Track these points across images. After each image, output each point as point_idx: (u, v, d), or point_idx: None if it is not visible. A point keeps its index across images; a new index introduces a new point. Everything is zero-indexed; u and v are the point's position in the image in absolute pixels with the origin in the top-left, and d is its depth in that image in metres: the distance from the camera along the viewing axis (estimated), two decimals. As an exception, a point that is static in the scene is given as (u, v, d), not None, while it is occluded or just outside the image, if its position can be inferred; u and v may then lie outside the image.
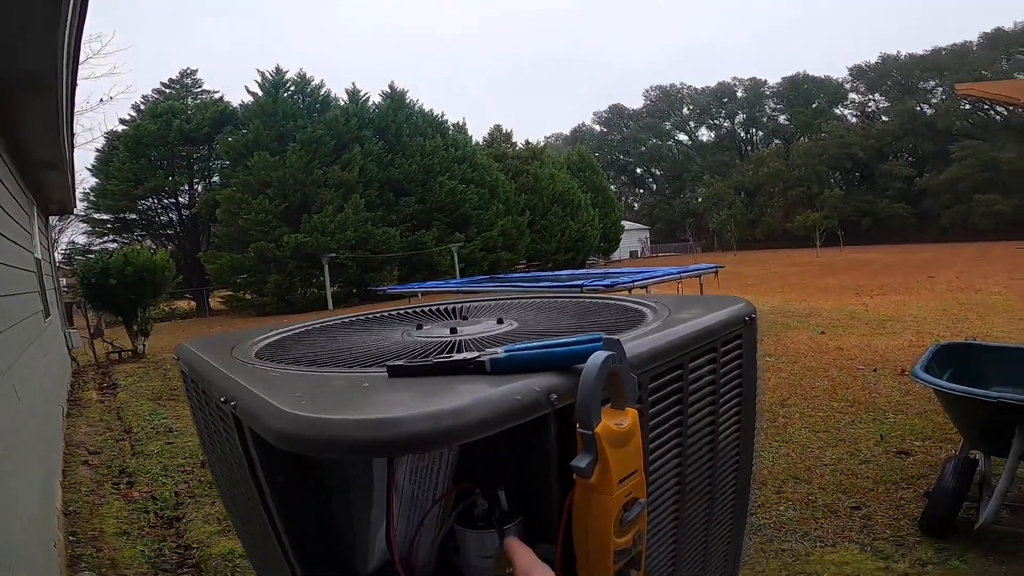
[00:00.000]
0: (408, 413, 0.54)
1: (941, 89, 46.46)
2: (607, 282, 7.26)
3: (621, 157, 65.15)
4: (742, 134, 62.31)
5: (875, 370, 5.32)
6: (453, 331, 1.10)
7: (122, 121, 24.85)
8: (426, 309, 1.51)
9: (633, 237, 46.37)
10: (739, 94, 60.86)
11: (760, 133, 61.08)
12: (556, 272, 13.24)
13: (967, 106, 44.28)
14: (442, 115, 25.45)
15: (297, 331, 1.28)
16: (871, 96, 53.82)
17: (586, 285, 7.09)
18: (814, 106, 55.06)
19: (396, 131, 23.03)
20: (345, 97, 23.50)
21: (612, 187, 49.30)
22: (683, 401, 0.88)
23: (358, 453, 0.57)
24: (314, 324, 1.38)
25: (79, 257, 21.25)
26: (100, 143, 23.50)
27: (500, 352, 0.67)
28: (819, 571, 2.23)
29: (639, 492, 0.65)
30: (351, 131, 21.58)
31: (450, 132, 25.39)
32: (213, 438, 1.00)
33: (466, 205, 23.36)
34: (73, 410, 5.87)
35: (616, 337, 0.65)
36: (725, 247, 47.10)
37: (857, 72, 53.83)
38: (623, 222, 39.97)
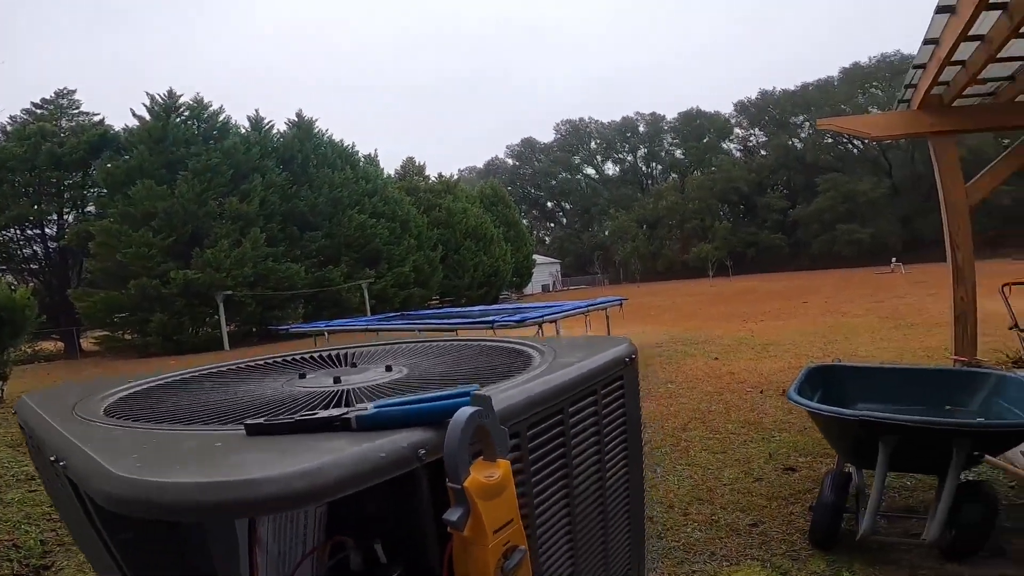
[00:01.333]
0: (260, 475, 0.50)
1: (808, 123, 51.44)
2: (517, 318, 7.36)
3: (532, 191, 67.10)
4: (643, 168, 66.24)
5: (761, 392, 5.74)
6: (337, 380, 1.06)
7: (-22, 142, 22.05)
8: (313, 356, 1.44)
9: (545, 271, 47.63)
10: (640, 128, 64.80)
11: (659, 167, 65.10)
12: (468, 308, 13.27)
13: (829, 140, 49.82)
14: (352, 146, 25.04)
15: (161, 382, 1.17)
16: (752, 131, 59.26)
17: (497, 322, 7.15)
18: (705, 140, 59.67)
19: (303, 161, 22.30)
20: (247, 124, 22.50)
21: (524, 221, 50.64)
22: (566, 444, 0.90)
23: (202, 516, 0.52)
24: (185, 373, 1.27)
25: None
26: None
27: (369, 408, 0.65)
28: (726, 591, 2.31)
29: (518, 539, 0.65)
30: (252, 160, 20.60)
31: (360, 164, 24.98)
32: (57, 496, 0.88)
33: (377, 240, 22.91)
34: None
35: (484, 393, 0.65)
36: (630, 279, 49.59)
37: (741, 107, 59.05)
38: (535, 256, 41.00)
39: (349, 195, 22.61)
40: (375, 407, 0.65)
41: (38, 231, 23.29)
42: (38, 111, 24.13)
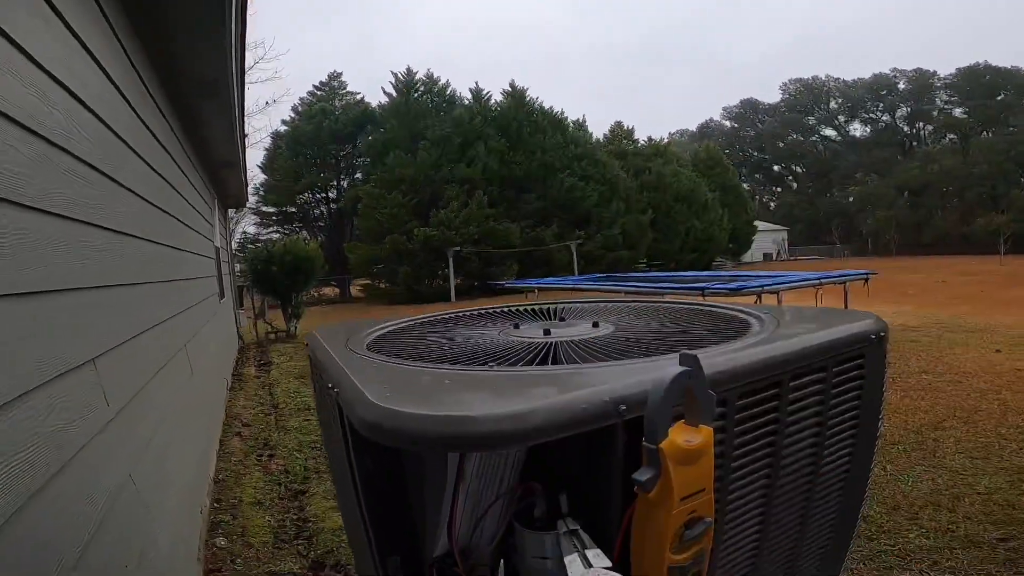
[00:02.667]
0: (475, 413, 0.57)
1: None
2: (733, 286, 6.78)
3: (755, 154, 60.33)
4: (906, 129, 54.66)
5: (1065, 399, 4.44)
6: (547, 332, 1.13)
7: (284, 122, 28.20)
8: (527, 309, 1.55)
9: (767, 238, 42.86)
10: (900, 85, 53.50)
11: (929, 127, 53.16)
12: (678, 272, 12.69)
13: None
14: (561, 112, 25.48)
15: (406, 324, 1.39)
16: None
17: (709, 289, 6.68)
18: (999, 98, 46.74)
19: (517, 129, 23.47)
20: (469, 96, 24.46)
21: (745, 185, 45.90)
22: (779, 421, 0.83)
23: (425, 446, 0.61)
24: (426, 318, 1.49)
25: (250, 246, 24.49)
26: (267, 143, 26.96)
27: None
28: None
29: (705, 511, 0.63)
30: (475, 129, 22.41)
31: (569, 129, 25.32)
32: (325, 420, 1.13)
33: (586, 202, 23.18)
34: (235, 384, 6.61)
35: (693, 353, 0.63)
36: (882, 251, 41.68)
37: (1055, 62, 44.39)
38: (756, 222, 37.09)
39: (559, 159, 23.17)
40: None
41: (323, 195, 29.00)
42: (318, 93, 29.63)
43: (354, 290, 25.81)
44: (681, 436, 0.60)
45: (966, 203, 41.99)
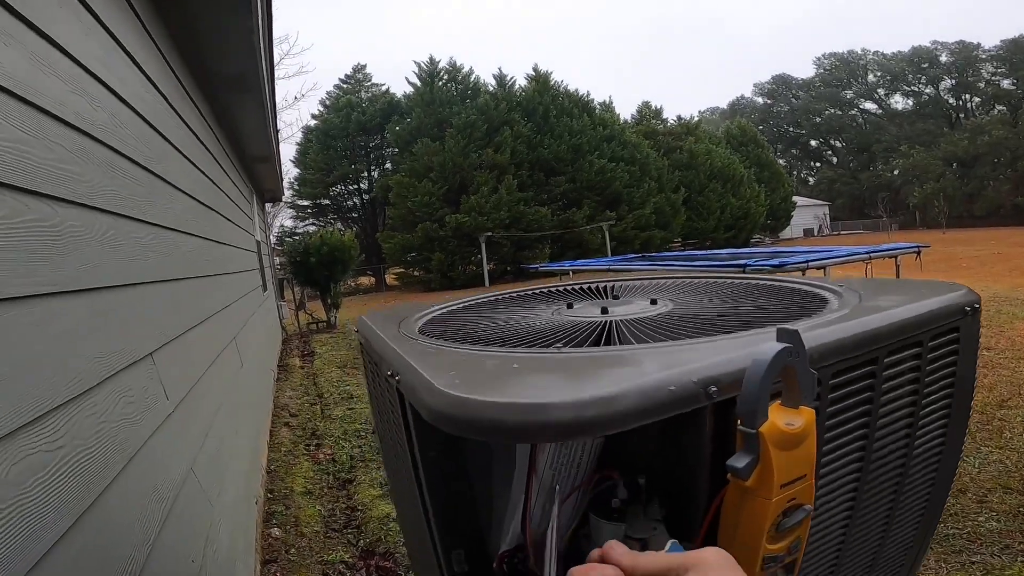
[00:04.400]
0: (554, 400, 0.53)
1: None
2: (775, 262, 6.53)
3: (791, 129, 58.21)
4: (951, 101, 51.94)
5: None
6: (604, 311, 1.08)
7: (313, 116, 28.59)
8: (576, 287, 1.49)
9: (808, 214, 41.41)
10: (943, 58, 50.93)
11: (976, 99, 50.42)
12: (714, 251, 12.36)
13: None
14: (587, 94, 25.08)
15: (455, 307, 1.35)
16: None
17: (750, 265, 6.46)
18: None
19: (543, 113, 23.20)
20: (493, 82, 24.24)
21: (780, 161, 44.29)
22: (873, 401, 0.76)
23: (501, 437, 0.58)
24: (471, 300, 1.45)
25: (287, 239, 25.07)
26: (298, 137, 27.41)
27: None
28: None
29: (805, 498, 0.58)
30: (501, 115, 22.24)
31: (597, 111, 24.89)
32: (381, 407, 1.10)
33: (616, 183, 22.82)
34: (280, 375, 6.75)
35: (794, 327, 0.57)
36: (930, 224, 39.77)
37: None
38: (795, 198, 35.87)
39: (588, 141, 22.83)
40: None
41: (355, 186, 29.39)
42: (344, 86, 29.87)
43: (389, 279, 26.21)
44: (781, 418, 0.55)
45: (1019, 173, 39.55)
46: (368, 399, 1.39)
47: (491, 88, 23.99)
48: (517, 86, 24.41)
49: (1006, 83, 47.64)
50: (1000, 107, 47.19)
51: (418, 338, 0.97)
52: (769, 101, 60.47)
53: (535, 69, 24.72)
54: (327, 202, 29.15)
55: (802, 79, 58.68)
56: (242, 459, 2.70)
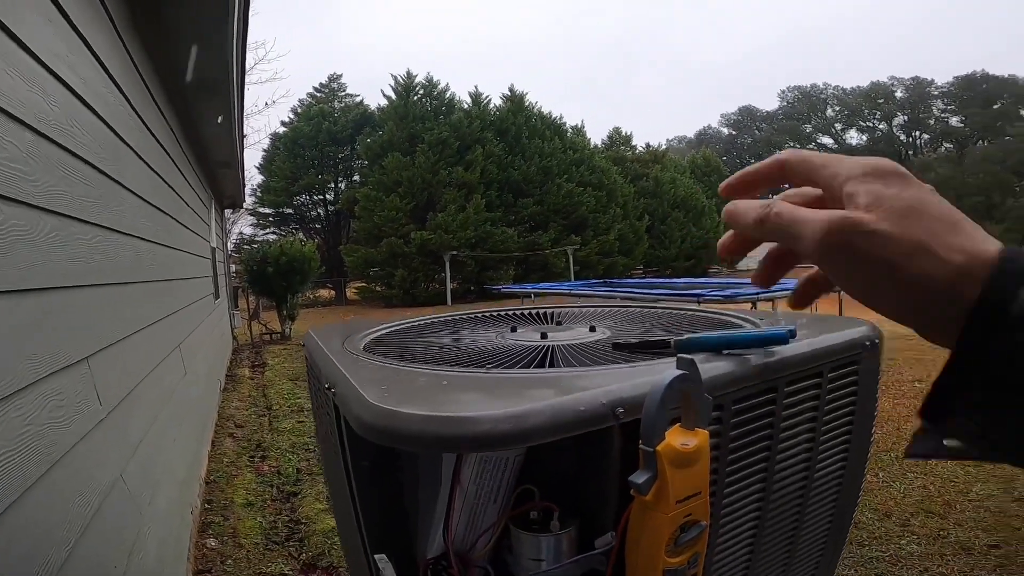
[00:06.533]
0: (471, 414, 0.57)
1: None
2: (728, 292, 6.79)
3: (752, 161, 60.70)
4: (902, 137, 55.17)
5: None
6: (543, 336, 1.13)
7: (282, 123, 28.19)
8: (524, 312, 1.55)
9: (765, 247, 42.68)
10: (898, 94, 54.07)
11: (926, 136, 53.71)
12: (673, 280, 12.74)
13: None
14: (560, 117, 25.63)
15: (403, 327, 1.39)
16: (1068, 96, 44.78)
17: (704, 295, 6.70)
18: (996, 107, 47.26)
19: (516, 133, 23.57)
20: (468, 100, 24.54)
21: (742, 192, 45.88)
22: (774, 426, 0.83)
23: (422, 447, 0.61)
24: (420, 321, 1.49)
25: (246, 247, 24.42)
26: (266, 143, 26.95)
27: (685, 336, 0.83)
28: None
29: (700, 514, 0.63)
30: (474, 133, 22.48)
31: (568, 134, 25.44)
32: (321, 420, 1.13)
33: (583, 208, 23.27)
34: (229, 385, 6.60)
35: (690, 357, 0.63)
36: (876, 259, 41.89)
37: (1054, 69, 45.04)
38: (753, 229, 37.28)
39: (558, 164, 23.27)
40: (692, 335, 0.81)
41: (321, 197, 28.99)
42: (317, 95, 29.65)
43: (350, 292, 25.80)
44: (677, 439, 0.61)
45: (963, 211, 42.19)
46: (313, 412, 1.40)
47: (466, 106, 24.25)
48: (492, 105, 24.76)
49: (954, 120, 50.82)
50: (947, 144, 50.32)
51: (360, 355, 1.00)
52: (734, 132, 63.02)
53: (511, 89, 25.14)
54: (290, 211, 28.65)
55: (767, 111, 61.55)
56: (179, 468, 2.64)
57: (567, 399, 0.62)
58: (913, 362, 6.28)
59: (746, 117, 62.61)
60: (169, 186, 3.45)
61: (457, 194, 21.37)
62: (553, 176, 23.10)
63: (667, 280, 12.86)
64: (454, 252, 20.20)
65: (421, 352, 1.02)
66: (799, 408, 0.87)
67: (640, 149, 31.84)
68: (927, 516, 2.78)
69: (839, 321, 1.05)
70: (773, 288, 7.11)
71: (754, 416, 0.80)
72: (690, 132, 71.46)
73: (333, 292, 26.28)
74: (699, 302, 6.57)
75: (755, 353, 0.82)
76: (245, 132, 6.58)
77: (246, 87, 4.56)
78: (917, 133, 54.06)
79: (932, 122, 52.46)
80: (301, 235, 27.19)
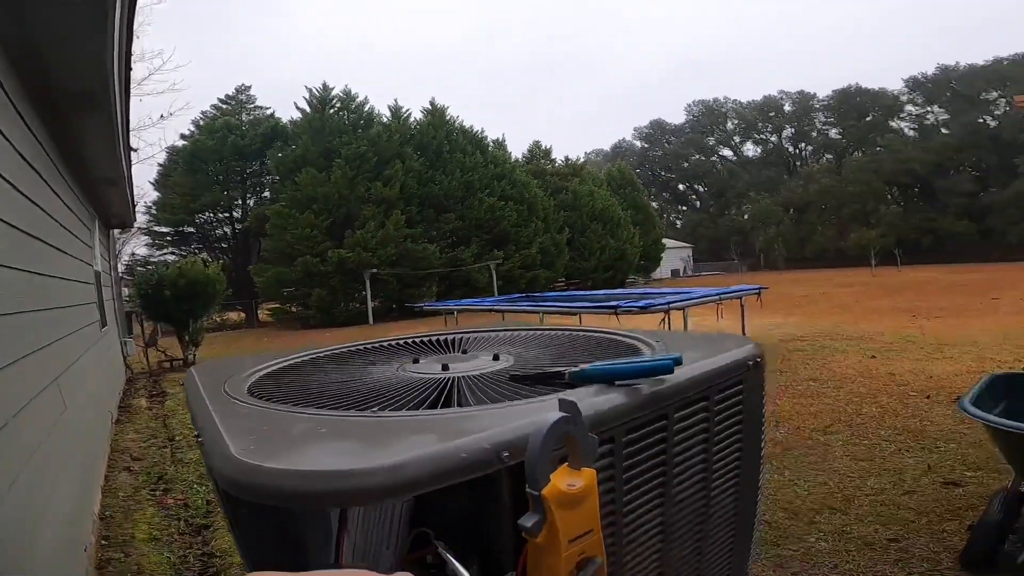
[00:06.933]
0: (343, 467, 0.53)
1: (1004, 100, 43.59)
2: (642, 303, 7.09)
3: (663, 173, 64.33)
4: (790, 149, 60.49)
5: (928, 397, 5.01)
6: (445, 367, 1.10)
7: (182, 136, 26.37)
8: (430, 340, 1.51)
9: (675, 255, 45.55)
10: (786, 107, 59.15)
11: (809, 148, 59.18)
12: (592, 292, 13.11)
13: None
14: (482, 131, 25.84)
15: (296, 361, 1.30)
16: (929, 108, 51.10)
17: (621, 307, 6.96)
18: (868, 119, 53.02)
19: (437, 147, 23.49)
20: (388, 114, 24.20)
21: (654, 204, 48.63)
22: (667, 452, 0.85)
23: (288, 503, 0.57)
24: (318, 353, 1.41)
25: (140, 268, 22.47)
26: (162, 158, 25.03)
27: (580, 367, 0.84)
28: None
29: (595, 551, 0.63)
30: (393, 147, 22.15)
31: (489, 148, 25.71)
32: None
33: (505, 222, 23.52)
34: (123, 417, 6.13)
35: (571, 399, 0.63)
36: (772, 266, 45.62)
37: (913, 84, 51.37)
38: (665, 240, 39.36)
39: (479, 179, 23.41)
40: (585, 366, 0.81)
41: (227, 214, 27.33)
42: (223, 106, 28.08)
43: (263, 315, 24.42)
44: (563, 480, 0.60)
45: (842, 219, 46.99)
46: None
47: (385, 119, 23.84)
48: (412, 119, 24.51)
49: (833, 132, 56.17)
50: (828, 155, 55.54)
51: (240, 397, 0.92)
52: (646, 145, 66.21)
53: (432, 103, 25.01)
54: (191, 230, 26.79)
55: (675, 124, 65.09)
56: (62, 504, 2.48)
57: (449, 447, 0.59)
58: (807, 362, 6.82)
59: (657, 130, 66.00)
60: (41, 208, 3.10)
61: (376, 210, 20.90)
62: (475, 191, 23.19)
63: (587, 292, 13.23)
64: (374, 270, 19.69)
65: (309, 392, 0.96)
66: (690, 432, 0.89)
67: (559, 162, 32.73)
68: (831, 512, 2.93)
69: (725, 340, 1.10)
70: (684, 297, 7.49)
71: (646, 445, 0.81)
72: (606, 145, 74.50)
73: (244, 315, 24.75)
74: (617, 314, 6.82)
75: (645, 382, 0.84)
76: (135, 146, 6.07)
77: (132, 99, 4.20)
78: (803, 145, 59.46)
79: (815, 134, 57.86)
80: (205, 255, 25.50)
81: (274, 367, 1.22)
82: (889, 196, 48.03)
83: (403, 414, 0.76)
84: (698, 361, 0.94)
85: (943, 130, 48.59)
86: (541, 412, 0.70)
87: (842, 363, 6.72)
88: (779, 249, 44.56)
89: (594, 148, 74.91)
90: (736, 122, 62.45)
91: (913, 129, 51.84)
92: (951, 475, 3.26)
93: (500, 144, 27.06)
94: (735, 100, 62.93)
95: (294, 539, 0.71)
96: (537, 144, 32.86)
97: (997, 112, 45.60)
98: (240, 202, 27.38)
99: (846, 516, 2.88)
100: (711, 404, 0.93)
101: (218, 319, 20.26)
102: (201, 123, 26.66)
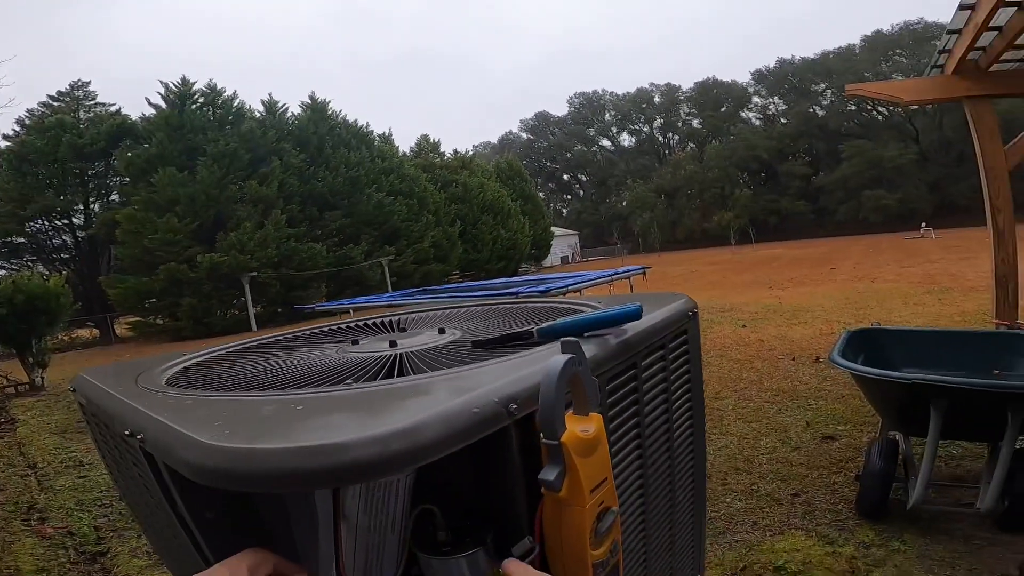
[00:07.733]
0: (352, 438, 0.47)
1: (831, 91, 50.18)
2: (542, 288, 7.31)
3: (548, 164, 66.54)
4: (660, 138, 65.39)
5: (794, 359, 5.65)
6: (392, 344, 1.03)
7: (5, 137, 22.51)
8: (361, 323, 1.41)
9: (563, 243, 47.36)
10: (656, 99, 63.89)
11: (676, 137, 64.41)
12: (490, 281, 13.23)
13: (853, 107, 48.70)
14: (367, 126, 24.96)
15: (217, 353, 1.15)
16: (771, 99, 57.86)
17: (521, 292, 7.10)
18: (723, 110, 58.78)
19: (319, 143, 22.28)
20: (261, 108, 22.48)
21: (541, 194, 50.15)
22: (639, 400, 0.86)
23: (296, 487, 0.49)
24: (238, 345, 1.26)
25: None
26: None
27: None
28: (772, 560, 2.27)
29: (611, 500, 0.61)
30: (269, 143, 20.65)
31: (376, 143, 24.89)
32: (123, 473, 0.87)
33: (395, 218, 22.95)
34: None
35: (575, 339, 0.61)
36: (649, 249, 49.11)
37: (759, 76, 57.83)
38: (553, 228, 40.77)
39: (366, 174, 22.61)
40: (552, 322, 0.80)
41: (66, 221, 23.82)
42: (55, 103, 24.41)
43: (120, 329, 21.67)
44: (576, 426, 0.57)
45: (704, 203, 51.86)
46: (105, 465, 1.08)
47: (258, 115, 22.05)
48: (290, 114, 22.94)
49: (696, 122, 61.55)
50: (692, 144, 60.85)
51: (165, 391, 0.79)
52: (532, 137, 68.00)
53: (311, 97, 23.58)
54: (22, 240, 23.03)
55: (559, 116, 67.50)
56: None
57: (457, 403, 0.54)
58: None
59: (541, 122, 68.02)
60: None
61: (253, 210, 19.36)
62: (362, 187, 22.33)
63: (484, 283, 13.33)
64: (254, 273, 18.25)
65: (256, 377, 0.85)
66: (655, 380, 0.91)
67: (448, 155, 32.53)
68: (738, 473, 3.13)
69: (662, 296, 1.14)
70: (579, 280, 7.82)
71: (623, 395, 0.81)
72: (494, 138, 75.20)
73: (97, 331, 21.78)
74: (517, 298, 6.94)
75: (613, 332, 0.84)
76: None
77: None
78: (671, 134, 64.56)
79: (680, 124, 63.12)
80: (41, 268, 22.06)
81: (191, 362, 1.07)
82: (741, 180, 53.71)
83: (382, 383, 0.69)
84: (652, 311, 0.96)
85: (782, 120, 55.26)
86: (530, 365, 0.67)
87: (720, 334, 7.38)
88: (655, 232, 48.06)
89: (482, 141, 75.54)
90: (613, 113, 66.17)
91: (759, 119, 58.39)
92: (826, 430, 3.62)
93: (387, 138, 26.35)
94: (612, 92, 66.66)
95: (283, 522, 0.63)
96: (425, 138, 32.46)
97: (824, 102, 52.62)
98: (82, 207, 23.98)
99: (751, 476, 3.09)
100: (667, 352, 0.96)
101: (66, 337, 17.69)
102: (27, 122, 22.91)
